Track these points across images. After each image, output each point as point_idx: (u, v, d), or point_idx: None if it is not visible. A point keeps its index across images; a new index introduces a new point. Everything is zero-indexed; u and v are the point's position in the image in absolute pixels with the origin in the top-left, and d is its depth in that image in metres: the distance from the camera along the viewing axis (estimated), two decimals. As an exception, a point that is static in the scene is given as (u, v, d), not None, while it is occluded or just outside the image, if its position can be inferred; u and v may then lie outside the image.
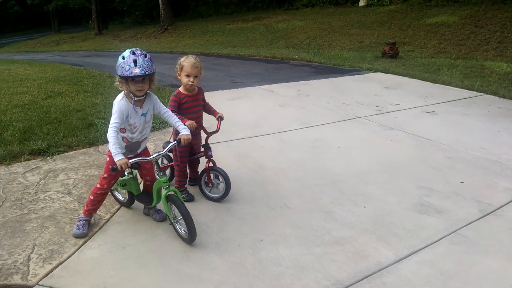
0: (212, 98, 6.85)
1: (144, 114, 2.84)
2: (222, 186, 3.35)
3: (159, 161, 3.55)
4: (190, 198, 3.38)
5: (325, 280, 2.52)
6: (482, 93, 7.46)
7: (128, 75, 2.61)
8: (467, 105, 6.71)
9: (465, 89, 7.72)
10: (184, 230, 2.83)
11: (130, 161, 2.59)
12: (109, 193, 3.36)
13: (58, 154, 4.31)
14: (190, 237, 2.75)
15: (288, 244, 2.88)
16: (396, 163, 4.31)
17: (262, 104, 6.42)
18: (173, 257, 2.70)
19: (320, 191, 3.66)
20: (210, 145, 3.39)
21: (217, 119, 3.40)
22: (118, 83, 2.71)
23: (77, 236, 2.84)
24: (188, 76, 3.15)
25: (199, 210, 3.22)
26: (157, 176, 2.87)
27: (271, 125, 5.34)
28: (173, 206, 2.81)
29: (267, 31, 17.96)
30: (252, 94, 6.93)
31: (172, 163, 3.50)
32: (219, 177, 3.34)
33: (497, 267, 2.71)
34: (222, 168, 3.35)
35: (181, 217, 2.77)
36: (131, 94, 2.72)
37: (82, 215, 2.96)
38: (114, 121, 2.65)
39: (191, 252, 2.75)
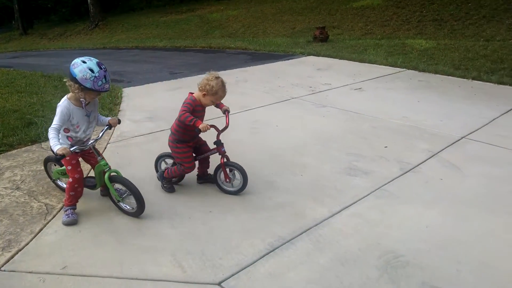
0: (151, 89, 6.98)
1: (88, 115, 3.03)
2: (238, 179, 3.37)
3: (165, 164, 3.59)
4: (171, 191, 3.43)
5: (269, 238, 2.84)
6: (404, 69, 8.15)
7: (100, 90, 2.82)
8: (391, 81, 7.32)
9: (389, 66, 8.38)
10: (129, 207, 3.09)
11: (71, 149, 2.81)
12: (53, 183, 3.49)
13: (0, 153, 4.30)
14: (140, 209, 3.00)
15: (235, 212, 3.17)
16: (328, 136, 4.72)
17: (202, 92, 6.63)
18: (129, 234, 2.90)
19: (261, 165, 3.98)
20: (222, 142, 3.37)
21: (224, 113, 3.35)
22: (72, 87, 2.83)
23: (68, 224, 2.98)
24: (214, 101, 3.18)
25: (149, 191, 3.42)
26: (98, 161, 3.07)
27: (211, 111, 5.55)
28: (120, 185, 3.03)
29: (202, 22, 18.01)
30: (192, 84, 7.05)
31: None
32: (235, 171, 3.36)
33: (414, 214, 3.17)
34: (236, 162, 3.37)
35: (126, 193, 3.04)
36: (82, 99, 2.87)
37: (66, 206, 3.08)
38: (55, 122, 2.84)
39: (145, 228, 2.97)
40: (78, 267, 2.57)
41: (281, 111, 5.66)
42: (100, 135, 3.11)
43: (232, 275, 2.48)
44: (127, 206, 3.12)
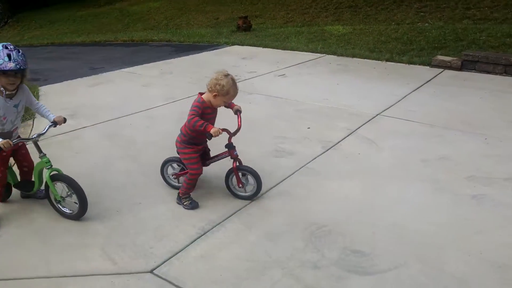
0: (70, 87, 6.67)
1: (16, 106, 2.88)
2: (252, 184, 3.18)
3: (172, 169, 3.36)
4: (194, 205, 3.08)
5: (200, 222, 2.90)
6: (324, 54, 8.49)
7: (2, 69, 2.62)
8: (312, 66, 7.62)
9: (310, 52, 8.69)
10: (69, 210, 2.96)
11: (14, 141, 2.72)
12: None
13: None
14: (82, 209, 2.89)
15: (165, 202, 3.19)
16: (255, 121, 4.84)
17: (126, 86, 6.47)
18: (54, 234, 2.81)
19: (189, 154, 4.00)
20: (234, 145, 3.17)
21: (236, 113, 3.13)
22: None
23: None
24: (226, 101, 3.01)
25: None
26: (39, 158, 2.91)
27: (137, 104, 5.47)
28: (62, 184, 2.90)
29: (122, 15, 17.39)
30: (114, 78, 6.90)
31: (184, 172, 3.23)
32: (248, 175, 3.18)
33: (335, 187, 3.39)
34: (249, 166, 3.19)
35: (67, 195, 2.91)
36: (1, 88, 2.71)
37: None
38: None
39: (71, 226, 2.89)
40: (2, 271, 2.46)
41: (208, 100, 5.69)
42: (44, 130, 2.92)
43: (164, 261, 2.52)
44: (67, 208, 2.97)
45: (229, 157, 3.15)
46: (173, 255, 2.57)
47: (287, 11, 13.35)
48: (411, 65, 7.54)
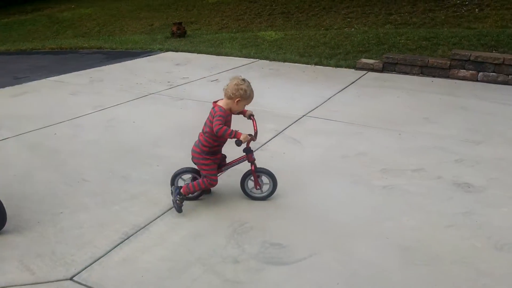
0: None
1: None
2: (267, 183, 3.27)
3: (183, 181, 3.26)
4: (180, 209, 3.07)
5: (124, 228, 2.91)
6: (257, 59, 8.71)
7: None
8: (245, 71, 7.78)
9: (244, 57, 8.88)
10: None
11: None
12: None
13: None
14: (1, 224, 2.79)
15: (88, 210, 3.16)
16: (185, 127, 4.89)
17: (52, 95, 6.26)
18: (-32, 249, 2.70)
19: (116, 161, 3.98)
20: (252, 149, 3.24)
21: (249, 118, 3.20)
22: None
23: None
24: (247, 104, 3.07)
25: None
26: None
27: (64, 113, 5.33)
28: None
29: (51, 22, 16.69)
30: (40, 88, 6.64)
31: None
32: (262, 176, 3.26)
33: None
34: (263, 167, 3.29)
35: None
36: None
37: None
38: None
39: (-13, 241, 2.79)
40: None
41: (139, 107, 5.66)
42: None
43: (85, 268, 2.51)
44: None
45: (247, 160, 3.23)
46: (95, 261, 2.57)
47: (222, 17, 13.49)
48: (338, 68, 7.94)
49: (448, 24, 9.41)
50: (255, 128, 3.16)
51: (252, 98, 3.10)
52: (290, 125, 4.92)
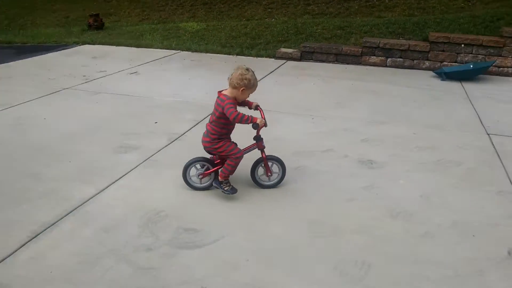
0: None
1: None
2: (276, 172, 3.38)
3: (196, 169, 3.28)
4: (234, 191, 3.17)
5: (32, 226, 2.82)
6: (179, 51, 8.65)
7: None
8: (166, 62, 7.71)
9: (165, 49, 8.77)
10: None
11: None
12: None
13: None
14: None
15: (-7, 211, 3.01)
16: (102, 121, 4.78)
17: (-47, 94, 5.79)
18: None
19: (28, 160, 3.80)
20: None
21: (256, 108, 3.29)
22: None
23: None
24: (251, 93, 3.14)
25: None
26: None
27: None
28: None
29: (-47, 15, 15.26)
30: None
31: (217, 167, 3.26)
32: (274, 164, 3.35)
33: (177, 175, 3.55)
34: (274, 155, 3.38)
35: None
36: None
37: None
38: None
39: None
40: None
41: (51, 104, 5.41)
42: None
43: (-12, 269, 2.41)
44: None
45: (257, 148, 3.30)
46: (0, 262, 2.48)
47: (143, 9, 13.15)
48: (259, 58, 8.12)
49: (361, 13, 9.94)
50: (263, 116, 3.24)
51: (256, 87, 3.18)
52: (209, 115, 4.96)
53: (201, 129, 4.56)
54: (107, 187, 3.34)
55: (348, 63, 7.75)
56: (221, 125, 3.16)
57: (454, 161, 3.88)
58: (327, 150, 4.07)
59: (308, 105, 5.35)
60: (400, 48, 7.49)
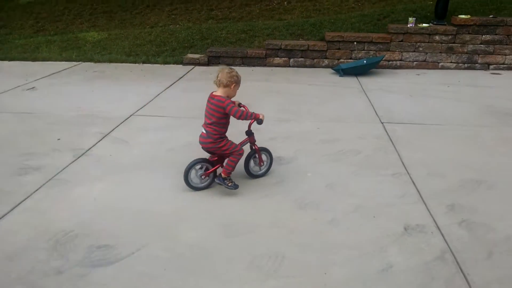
0: None
1: None
2: (264, 159, 3.69)
3: (196, 172, 3.41)
4: (236, 186, 3.35)
5: None
6: (80, 62, 8.27)
7: None
8: (66, 75, 7.33)
9: (65, 61, 8.34)
10: None
11: None
12: None
13: None
14: None
15: None
16: (-4, 142, 4.42)
17: None
18: None
19: None
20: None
21: (240, 106, 3.44)
22: None
23: None
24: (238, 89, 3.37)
25: None
26: None
27: None
28: None
29: None
30: None
31: (217, 166, 3.45)
32: (262, 154, 3.66)
33: (84, 192, 3.42)
34: (262, 146, 3.69)
35: None
36: None
37: None
38: None
39: None
40: None
41: None
42: None
43: None
44: None
45: (249, 142, 3.56)
46: None
47: (37, 20, 12.31)
48: (166, 65, 8.06)
49: (263, 17, 10.27)
50: (247, 109, 3.43)
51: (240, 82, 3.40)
52: (117, 126, 4.85)
53: (108, 142, 4.46)
54: (8, 212, 3.12)
55: (254, 65, 7.99)
56: (222, 125, 3.34)
57: (354, 150, 4.20)
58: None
59: (217, 109, 5.43)
60: (301, 49, 7.89)
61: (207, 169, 3.44)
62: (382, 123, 4.98)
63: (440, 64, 7.81)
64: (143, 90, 6.33)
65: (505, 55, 7.69)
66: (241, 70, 7.53)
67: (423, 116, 5.20)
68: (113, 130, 4.75)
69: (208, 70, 7.64)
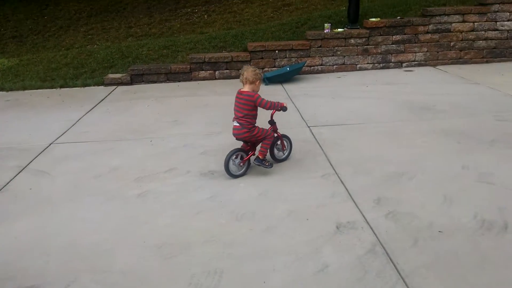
0: None
1: None
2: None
3: (234, 162, 3.83)
4: (272, 165, 3.91)
5: None
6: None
7: None
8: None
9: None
10: None
11: None
12: None
13: None
14: None
15: None
16: None
17: None
18: None
19: None
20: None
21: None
22: None
23: None
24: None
25: None
26: None
27: None
28: None
29: None
30: None
31: (251, 154, 3.91)
32: (284, 140, 4.16)
33: (3, 231, 3.17)
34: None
35: None
36: None
37: None
38: None
39: None
40: None
41: None
42: None
43: None
44: None
45: (272, 130, 3.99)
46: None
47: None
48: (86, 88, 7.72)
49: (184, 31, 10.23)
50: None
51: None
52: (36, 157, 4.55)
53: (27, 175, 4.15)
54: None
55: (179, 81, 7.90)
56: (252, 116, 3.80)
57: (284, 156, 4.29)
58: (169, 169, 4.09)
59: (144, 128, 5.29)
60: (225, 61, 7.95)
61: (242, 157, 3.86)
62: (308, 127, 5.13)
63: (358, 65, 8.24)
64: (62, 116, 6.00)
65: (415, 52, 8.28)
66: (166, 87, 7.51)
67: (346, 116, 5.44)
68: (31, 161, 4.44)
69: (131, 89, 7.44)
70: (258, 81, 3.81)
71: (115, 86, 7.70)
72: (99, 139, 5.01)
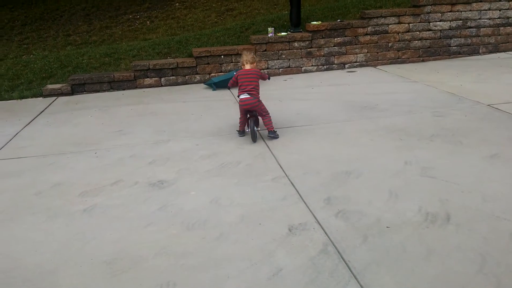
0: None
1: None
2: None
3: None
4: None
5: None
6: None
7: None
8: None
9: None
10: None
11: None
12: None
13: None
14: None
15: None
16: None
17: None
18: None
19: None
20: None
21: None
22: None
23: None
24: None
25: None
26: None
27: None
28: None
29: None
30: None
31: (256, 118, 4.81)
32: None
33: None
34: None
35: None
36: None
37: None
38: None
39: None
40: None
41: None
42: None
43: None
44: None
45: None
46: None
47: None
48: (23, 100, 7.34)
49: (126, 38, 9.97)
50: None
51: None
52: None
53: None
54: None
55: (124, 89, 7.69)
56: (259, 87, 4.68)
57: (234, 161, 4.27)
58: (116, 182, 3.95)
59: (88, 140, 5.08)
60: (170, 67, 7.82)
61: (252, 120, 4.69)
62: (258, 130, 5.14)
63: (303, 68, 8.40)
64: (-4, 131, 5.64)
65: (356, 54, 8.57)
66: (110, 96, 7.28)
67: (294, 118, 5.51)
68: (-36, 182, 4.13)
69: (73, 100, 7.14)
70: (255, 62, 4.83)
71: (55, 97, 7.35)
72: (40, 153, 4.75)
